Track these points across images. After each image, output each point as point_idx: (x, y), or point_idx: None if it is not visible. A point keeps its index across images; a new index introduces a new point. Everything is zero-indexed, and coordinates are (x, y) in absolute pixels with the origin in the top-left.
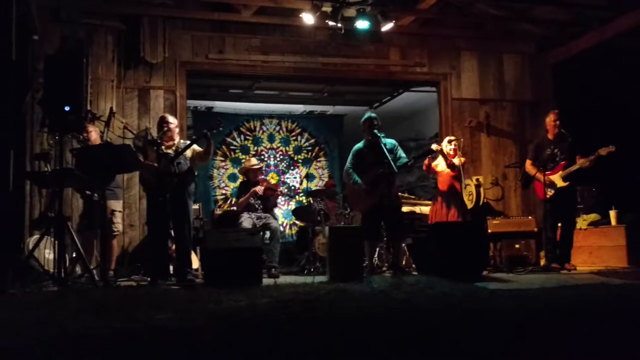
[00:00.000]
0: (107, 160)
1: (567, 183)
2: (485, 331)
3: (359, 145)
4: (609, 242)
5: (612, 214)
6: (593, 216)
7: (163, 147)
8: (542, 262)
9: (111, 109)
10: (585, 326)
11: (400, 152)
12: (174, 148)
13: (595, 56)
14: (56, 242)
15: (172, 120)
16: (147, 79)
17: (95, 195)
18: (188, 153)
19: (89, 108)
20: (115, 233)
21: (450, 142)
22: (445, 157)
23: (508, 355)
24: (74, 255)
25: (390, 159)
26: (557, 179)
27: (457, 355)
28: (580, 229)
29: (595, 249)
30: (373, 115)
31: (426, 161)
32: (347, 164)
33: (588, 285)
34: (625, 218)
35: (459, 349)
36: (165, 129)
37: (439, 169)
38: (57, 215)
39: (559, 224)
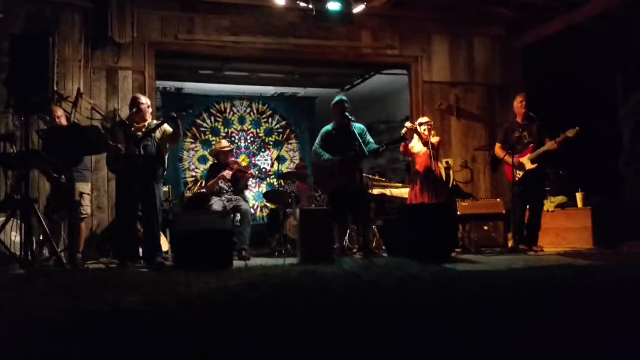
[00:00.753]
0: (74, 142)
1: (535, 165)
2: (453, 312)
3: (328, 127)
4: (575, 224)
5: (579, 196)
6: (560, 198)
7: (133, 128)
8: (510, 243)
9: (79, 90)
10: (551, 306)
11: (369, 138)
12: (144, 129)
13: (564, 40)
14: (23, 224)
15: (144, 101)
16: (116, 59)
17: (63, 177)
18: (157, 134)
19: (55, 89)
20: (84, 216)
21: (422, 124)
22: (420, 135)
23: (475, 336)
24: (41, 238)
25: (361, 142)
26: (525, 161)
27: (425, 337)
28: (548, 211)
29: (562, 231)
30: (344, 98)
31: (403, 145)
32: (316, 144)
33: (555, 267)
34: (591, 200)
35: (427, 331)
36: (135, 109)
37: (415, 150)
38: (23, 197)
39: (528, 207)
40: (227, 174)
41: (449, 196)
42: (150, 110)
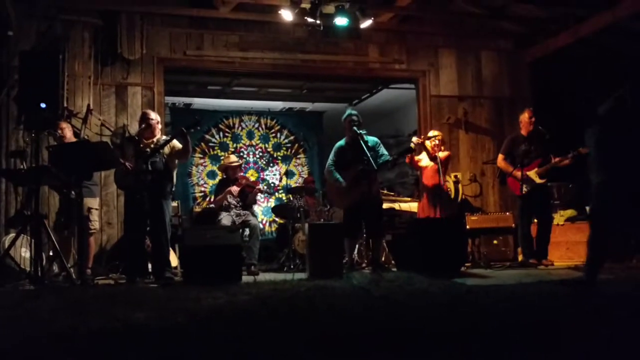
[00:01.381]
0: (84, 158)
1: (544, 180)
2: (463, 327)
3: (341, 142)
4: (585, 238)
5: (589, 209)
6: (570, 212)
7: (142, 144)
8: (520, 257)
9: (88, 106)
10: (562, 320)
11: (382, 150)
12: (153, 145)
13: (571, 53)
14: (33, 240)
15: (154, 116)
16: (125, 75)
17: (73, 192)
18: (166, 150)
19: (65, 105)
20: (92, 231)
21: (430, 138)
22: (427, 150)
23: (486, 350)
24: (50, 253)
25: (370, 156)
26: (533, 175)
27: (435, 352)
28: (557, 224)
29: (572, 245)
30: (353, 112)
31: (408, 157)
32: (329, 161)
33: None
34: None
35: (437, 346)
36: (145, 125)
37: (422, 164)
38: (33, 213)
39: (534, 220)
40: (235, 189)
41: (456, 211)
42: (160, 125)
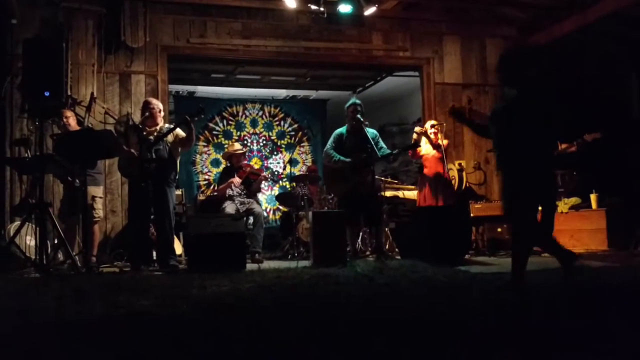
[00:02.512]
0: (88, 146)
1: None
2: (467, 314)
3: (341, 130)
4: (589, 225)
5: (593, 197)
6: (574, 200)
7: (145, 132)
8: None
9: (92, 94)
10: (566, 307)
11: (381, 143)
12: (156, 133)
13: (576, 39)
14: (38, 228)
15: (156, 105)
16: (128, 63)
17: (77, 181)
18: (170, 138)
19: (69, 93)
20: (96, 219)
21: (432, 126)
22: (429, 138)
23: (491, 338)
24: (55, 241)
25: (373, 144)
26: None
27: (440, 339)
28: (562, 212)
29: (576, 232)
30: (358, 101)
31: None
32: (328, 145)
33: None
34: (605, 201)
35: (441, 333)
36: (147, 113)
37: (423, 152)
38: (38, 201)
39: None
40: (237, 181)
41: (457, 199)
42: (162, 113)
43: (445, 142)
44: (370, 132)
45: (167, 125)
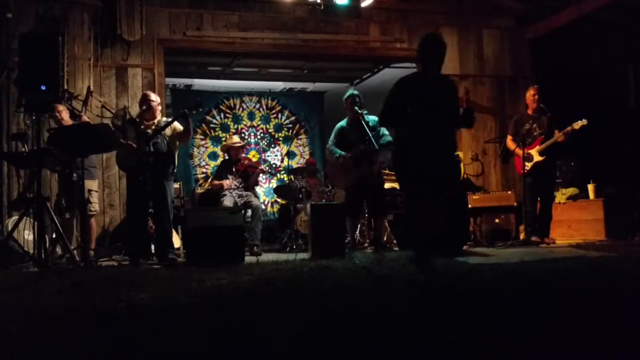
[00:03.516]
0: (85, 140)
1: (543, 157)
2: (465, 305)
3: (342, 123)
4: (587, 216)
5: (591, 187)
6: (572, 190)
7: (143, 125)
8: (522, 236)
9: (89, 88)
10: (564, 298)
11: (384, 130)
12: (154, 127)
13: (574, 30)
14: (35, 222)
15: (154, 98)
16: (125, 57)
17: (75, 175)
18: (167, 132)
19: (65, 87)
20: (93, 213)
21: None
22: None
23: (488, 328)
24: (53, 235)
25: (371, 135)
26: (534, 153)
27: (438, 330)
28: (559, 202)
29: (573, 222)
30: (355, 92)
31: None
32: (329, 141)
33: (567, 258)
34: (603, 191)
35: (439, 324)
36: (145, 107)
37: None
38: (35, 196)
39: (539, 198)
40: (227, 183)
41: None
42: (160, 107)
43: None
44: (372, 119)
45: (164, 119)
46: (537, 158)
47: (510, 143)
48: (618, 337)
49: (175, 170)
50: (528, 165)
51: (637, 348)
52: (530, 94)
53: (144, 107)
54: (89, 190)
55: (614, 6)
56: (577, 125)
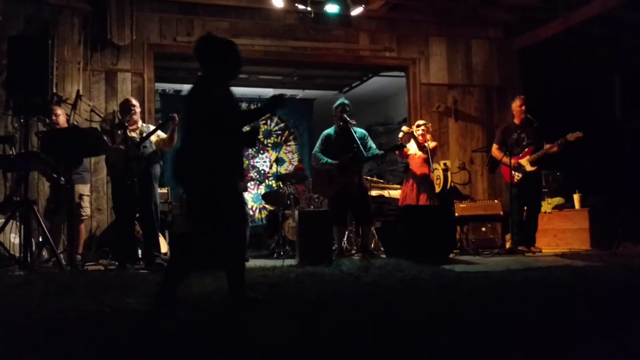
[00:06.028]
0: (74, 144)
1: (535, 167)
2: (450, 312)
3: (329, 131)
4: (572, 225)
5: (576, 197)
6: (557, 199)
7: (128, 130)
8: (508, 244)
9: (78, 91)
10: (548, 306)
11: (370, 143)
12: (138, 132)
13: (561, 42)
14: (22, 226)
15: (135, 103)
16: (115, 61)
17: (62, 179)
18: (153, 138)
19: (54, 90)
20: (84, 217)
21: (418, 126)
22: (416, 139)
23: (473, 336)
24: (40, 239)
25: (359, 144)
26: (525, 163)
27: (423, 336)
28: (545, 212)
29: (559, 232)
30: (346, 102)
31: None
32: (316, 148)
33: (552, 267)
34: (588, 201)
35: (424, 331)
36: (132, 112)
37: (410, 152)
38: (22, 199)
39: (525, 207)
40: None
41: (439, 199)
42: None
43: (432, 144)
44: (359, 131)
45: (145, 124)
46: (529, 168)
47: (496, 152)
48: (603, 342)
49: (161, 174)
50: (519, 175)
51: (621, 352)
52: (516, 105)
53: (130, 113)
54: (81, 195)
55: (600, 19)
56: (572, 137)
